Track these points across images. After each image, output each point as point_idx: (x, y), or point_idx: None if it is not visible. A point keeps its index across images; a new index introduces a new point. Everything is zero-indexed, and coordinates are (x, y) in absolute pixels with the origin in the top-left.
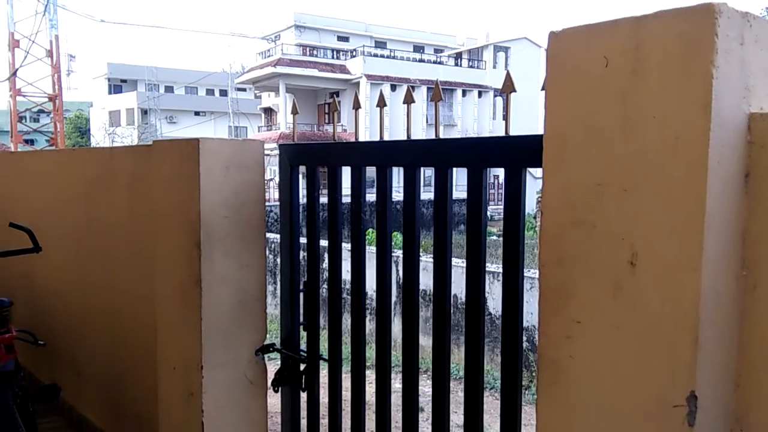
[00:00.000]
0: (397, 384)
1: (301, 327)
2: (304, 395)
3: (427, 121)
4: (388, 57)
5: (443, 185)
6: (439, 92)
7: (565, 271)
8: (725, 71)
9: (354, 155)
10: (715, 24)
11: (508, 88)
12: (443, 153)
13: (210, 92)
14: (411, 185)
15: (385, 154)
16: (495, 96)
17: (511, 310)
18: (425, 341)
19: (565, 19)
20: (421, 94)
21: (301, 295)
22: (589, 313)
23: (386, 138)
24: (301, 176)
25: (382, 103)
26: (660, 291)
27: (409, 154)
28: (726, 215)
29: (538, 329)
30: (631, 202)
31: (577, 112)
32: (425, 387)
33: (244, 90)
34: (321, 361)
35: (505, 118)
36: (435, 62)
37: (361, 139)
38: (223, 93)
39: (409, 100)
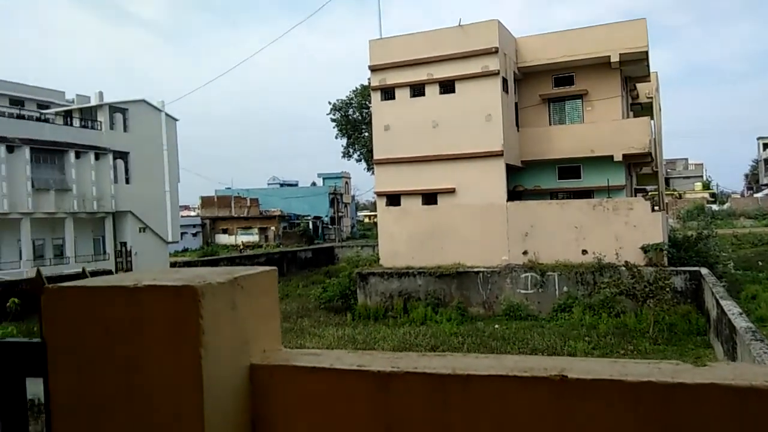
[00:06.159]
0: None
1: None
2: None
3: (33, 185)
4: None
5: None
6: None
7: None
8: (215, 341)
9: None
10: (199, 306)
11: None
12: None
13: None
14: None
15: None
16: (115, 159)
17: None
18: None
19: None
20: (23, 155)
21: None
22: None
23: None
24: None
25: None
26: None
27: None
28: None
29: None
30: None
31: (80, 381)
32: None
33: None
34: None
35: None
36: (40, 119)
37: None
38: None
39: None
